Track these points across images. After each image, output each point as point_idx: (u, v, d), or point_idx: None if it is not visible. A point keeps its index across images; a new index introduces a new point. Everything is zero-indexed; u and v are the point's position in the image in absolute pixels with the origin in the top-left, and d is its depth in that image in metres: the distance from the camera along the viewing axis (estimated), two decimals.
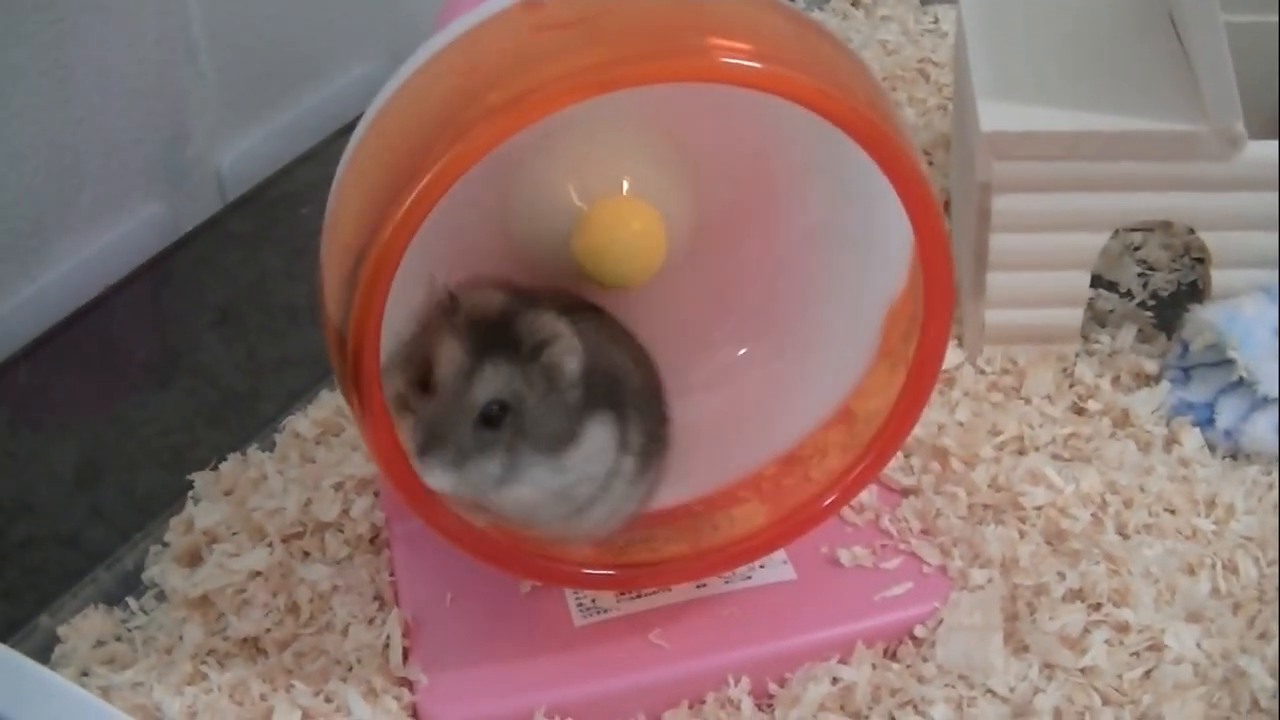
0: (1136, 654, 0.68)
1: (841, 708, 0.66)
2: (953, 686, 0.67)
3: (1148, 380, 0.82)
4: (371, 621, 0.70)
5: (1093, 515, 0.73)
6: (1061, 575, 0.70)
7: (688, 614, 0.68)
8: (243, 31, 1.00)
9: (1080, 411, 0.81)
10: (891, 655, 0.69)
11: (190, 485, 0.78)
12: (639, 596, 0.69)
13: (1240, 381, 0.78)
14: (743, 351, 0.71)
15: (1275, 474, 0.77)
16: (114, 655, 0.70)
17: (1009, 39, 0.86)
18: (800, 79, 0.56)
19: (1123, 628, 0.68)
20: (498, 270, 0.63)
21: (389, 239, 0.55)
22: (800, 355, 0.69)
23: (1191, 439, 0.78)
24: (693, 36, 0.57)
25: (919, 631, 0.69)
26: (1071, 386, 0.82)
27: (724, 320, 0.71)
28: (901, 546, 0.72)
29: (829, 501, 0.66)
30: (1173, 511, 0.74)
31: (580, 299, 0.63)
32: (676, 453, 0.65)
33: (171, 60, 0.95)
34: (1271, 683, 0.66)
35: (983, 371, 0.83)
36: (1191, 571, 0.71)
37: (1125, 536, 0.73)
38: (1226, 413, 0.78)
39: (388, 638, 0.68)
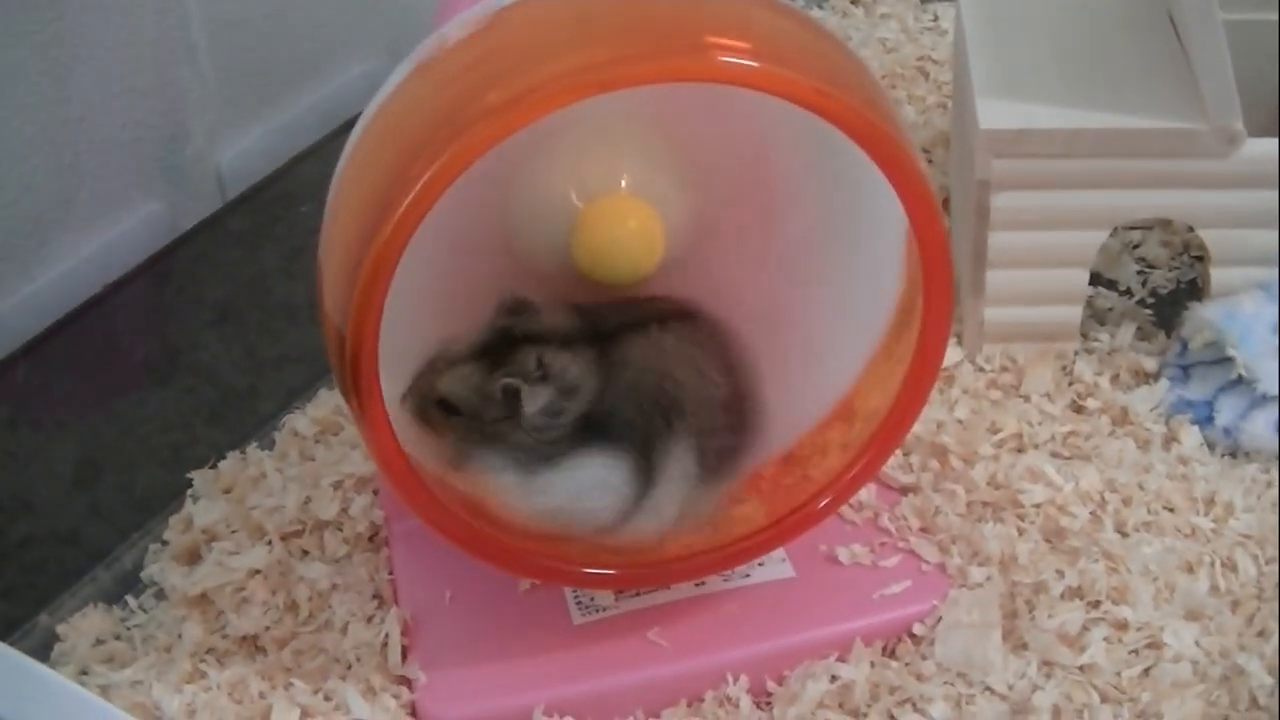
0: (1135, 652, 0.68)
1: (840, 706, 0.66)
2: (951, 684, 0.67)
3: (1147, 378, 0.82)
4: (370, 620, 0.70)
5: (1091, 513, 0.73)
6: (1060, 573, 0.70)
7: (686, 612, 0.68)
8: (241, 30, 1.00)
9: (1079, 409, 0.81)
10: (890, 653, 0.69)
11: (189, 483, 0.78)
12: (637, 595, 0.69)
13: (1239, 379, 0.78)
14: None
15: (1274, 472, 0.77)
16: (113, 654, 0.70)
17: (1008, 37, 0.86)
18: (798, 79, 0.56)
19: (1121, 625, 0.68)
20: (496, 269, 0.63)
21: (388, 238, 0.55)
22: (798, 354, 0.69)
23: (1190, 437, 0.78)
24: (691, 36, 0.57)
25: (918, 629, 0.69)
26: (1070, 384, 0.82)
27: (722, 318, 0.71)
28: (900, 544, 0.72)
29: (827, 500, 0.66)
30: (1171, 509, 0.74)
31: (661, 310, 0.63)
32: None
33: (170, 59, 0.95)
34: (1270, 680, 0.66)
35: (982, 369, 0.83)
36: (1190, 569, 0.71)
37: (1124, 534, 0.73)
38: (1225, 411, 0.78)
39: (386, 636, 0.68)
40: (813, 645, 0.68)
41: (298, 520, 0.74)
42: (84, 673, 0.69)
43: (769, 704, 0.67)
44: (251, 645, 0.69)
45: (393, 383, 0.60)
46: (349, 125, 0.60)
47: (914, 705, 0.66)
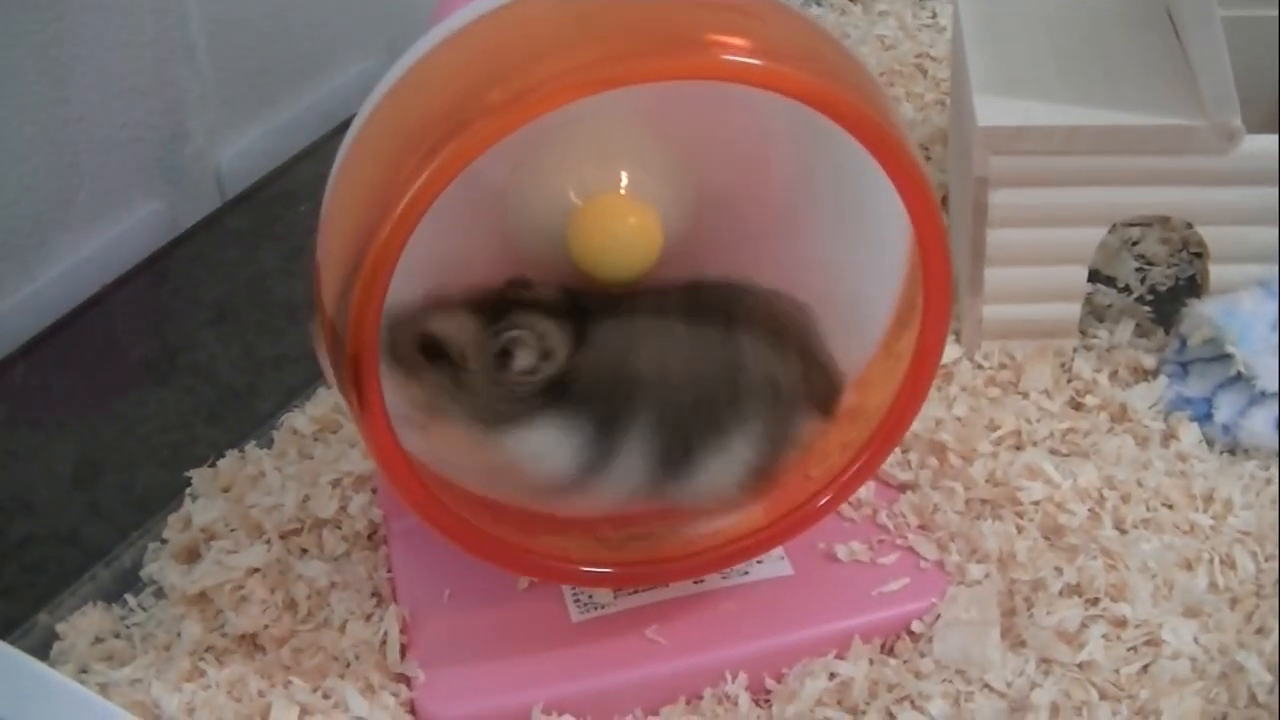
0: (1134, 649, 0.68)
1: (839, 703, 0.66)
2: (950, 682, 0.67)
3: (1146, 375, 0.82)
4: (369, 618, 0.70)
5: (1090, 510, 0.73)
6: (1059, 570, 0.70)
7: (685, 610, 0.68)
8: (240, 29, 1.00)
9: (1078, 406, 0.81)
10: (889, 650, 0.69)
11: (188, 482, 0.78)
12: (636, 593, 0.69)
13: (1238, 376, 0.78)
14: None
15: (1273, 469, 0.77)
16: (112, 652, 0.70)
17: (1006, 34, 0.86)
18: (799, 75, 0.56)
19: (1120, 623, 0.68)
20: (494, 265, 0.63)
21: (388, 236, 0.55)
22: None
23: (1189, 434, 0.78)
24: (692, 33, 0.57)
25: (916, 627, 0.69)
26: (1069, 381, 0.82)
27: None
28: (899, 542, 0.72)
29: (827, 499, 0.66)
30: (1170, 506, 0.74)
31: (652, 303, 0.63)
32: None
33: (170, 58, 0.96)
34: (1269, 677, 0.66)
35: (980, 366, 0.83)
36: (1189, 566, 0.71)
37: (1123, 531, 0.73)
38: (1224, 408, 0.78)
39: (385, 634, 0.68)
40: (811, 643, 0.68)
41: (296, 519, 0.74)
42: (83, 671, 0.69)
43: (768, 701, 0.67)
44: (250, 643, 0.69)
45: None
46: (348, 125, 0.60)
47: (912, 703, 0.66)
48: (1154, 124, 0.78)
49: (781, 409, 0.63)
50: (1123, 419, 0.80)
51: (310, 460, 0.78)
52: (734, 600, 0.69)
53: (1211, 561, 0.71)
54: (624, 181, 0.63)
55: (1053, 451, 0.77)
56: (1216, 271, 0.81)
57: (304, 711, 0.66)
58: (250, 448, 0.80)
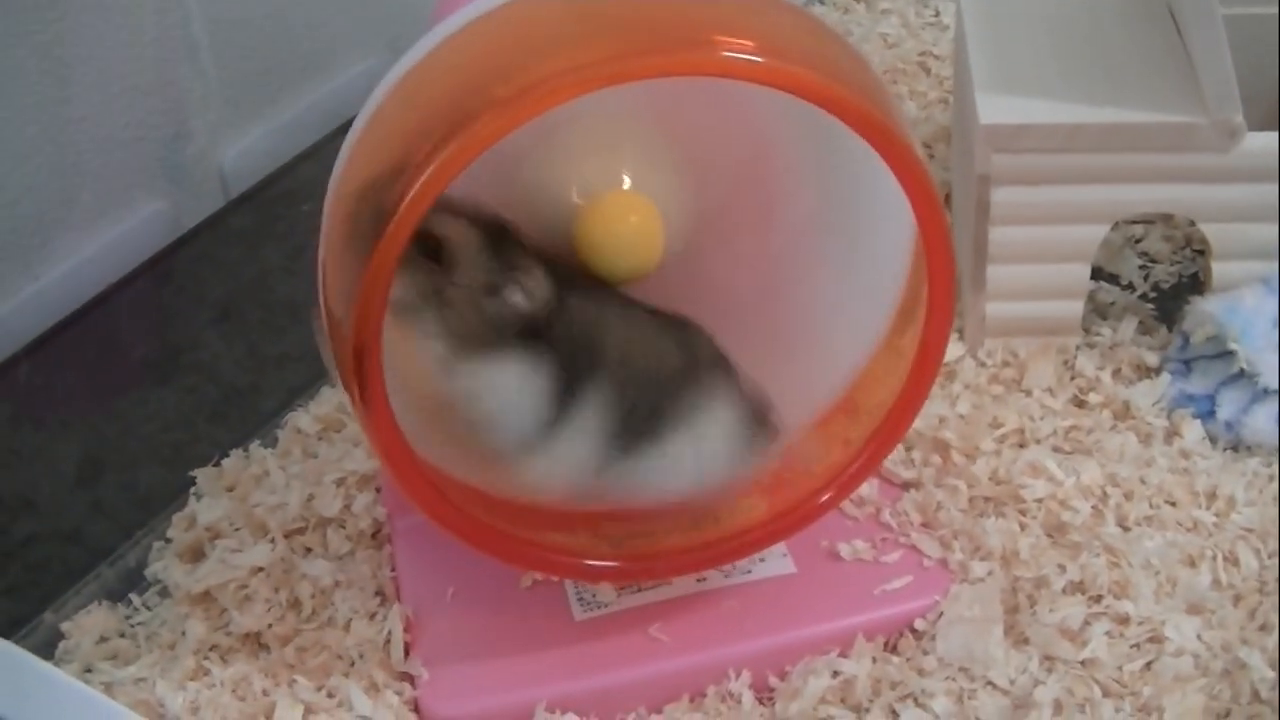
0: (1137, 646, 0.68)
1: (842, 701, 0.66)
2: (953, 679, 0.67)
3: (1148, 372, 0.82)
4: (373, 617, 0.70)
5: (1093, 507, 0.73)
6: (1062, 567, 0.70)
7: (688, 608, 0.69)
8: (243, 28, 1.00)
9: (1081, 404, 0.81)
10: (892, 648, 0.69)
11: (192, 481, 0.78)
12: (639, 590, 0.69)
13: (1241, 373, 0.78)
14: (742, 345, 0.71)
15: (1276, 466, 0.77)
16: (117, 651, 0.70)
17: (1008, 32, 0.86)
18: (802, 73, 0.56)
19: (1123, 620, 0.68)
20: None
21: (391, 233, 0.55)
22: (799, 349, 0.69)
23: (1192, 431, 0.78)
24: (695, 31, 0.57)
25: (919, 624, 0.69)
26: (1072, 379, 0.82)
27: (723, 314, 0.71)
28: (902, 540, 0.72)
29: (829, 495, 0.67)
30: (1173, 504, 0.74)
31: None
32: None
33: (172, 58, 0.96)
34: (1272, 674, 0.66)
35: (983, 364, 0.83)
36: (1192, 563, 0.71)
37: (1126, 529, 0.73)
38: (1227, 405, 0.78)
39: (389, 633, 0.68)
40: (814, 640, 0.68)
41: (300, 517, 0.75)
42: (88, 670, 0.69)
43: (771, 699, 0.67)
44: (254, 642, 0.70)
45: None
46: (351, 124, 0.60)
47: (916, 700, 0.66)
48: (1156, 121, 0.78)
49: (739, 395, 0.63)
50: (1125, 416, 0.80)
51: (314, 459, 0.79)
52: (737, 598, 0.69)
53: (1214, 558, 0.71)
54: (627, 180, 0.63)
55: (1056, 449, 0.77)
56: (1219, 269, 0.81)
57: (308, 710, 0.66)
58: (254, 447, 0.80)
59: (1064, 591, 0.69)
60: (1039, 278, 0.81)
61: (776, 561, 0.70)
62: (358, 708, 0.66)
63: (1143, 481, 0.75)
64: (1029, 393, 0.81)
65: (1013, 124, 0.78)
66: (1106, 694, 0.66)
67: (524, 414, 0.61)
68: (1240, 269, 0.80)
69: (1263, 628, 0.68)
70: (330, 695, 0.67)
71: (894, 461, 0.75)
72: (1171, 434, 0.79)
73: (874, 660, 0.68)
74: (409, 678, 0.67)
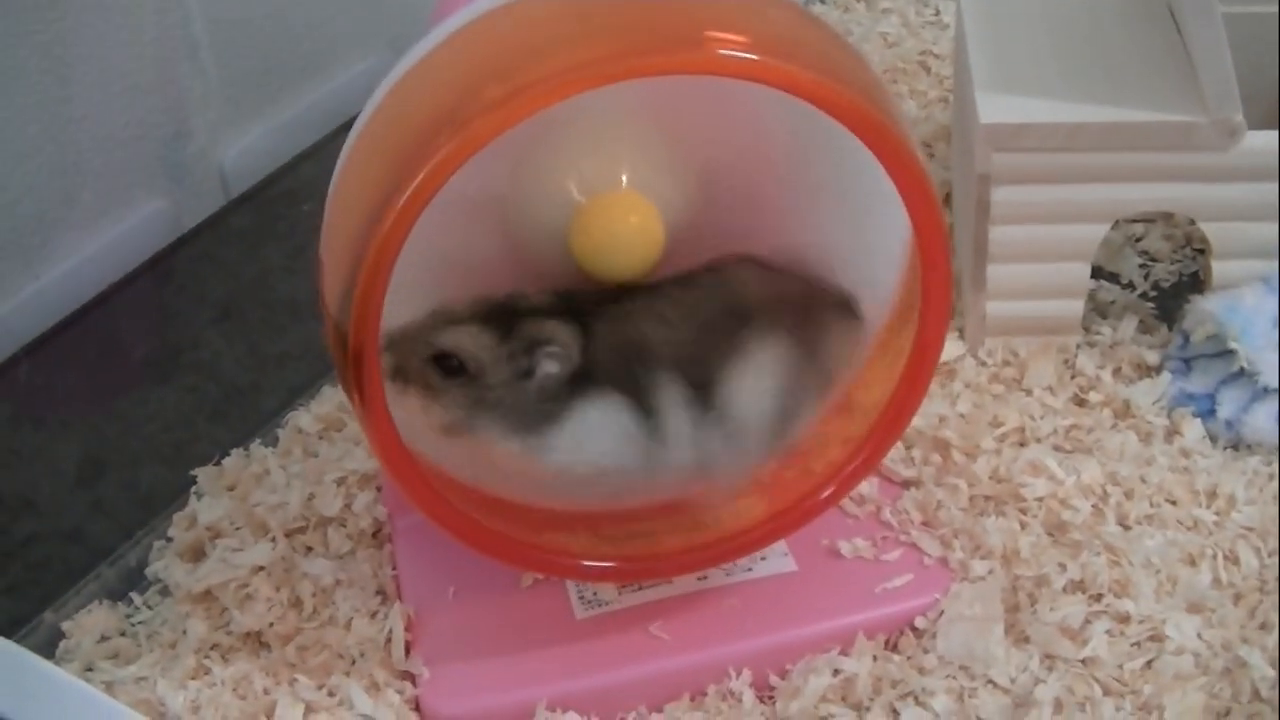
0: (1137, 644, 0.68)
1: (843, 699, 0.66)
2: (954, 678, 0.67)
3: (1149, 371, 0.82)
4: (374, 615, 0.70)
5: (1094, 506, 0.73)
6: (1062, 566, 0.70)
7: (689, 606, 0.69)
8: (243, 28, 1.01)
9: (1081, 403, 0.81)
10: (892, 647, 0.69)
11: (193, 481, 0.78)
12: (640, 589, 0.69)
13: (1241, 372, 0.78)
14: None
15: (1276, 464, 0.77)
16: (118, 650, 0.70)
17: (1008, 31, 0.86)
18: (798, 71, 0.56)
19: (1123, 618, 0.68)
20: (494, 265, 0.63)
21: (388, 232, 0.55)
22: None
23: (1192, 430, 0.78)
24: (691, 29, 0.57)
25: (920, 623, 0.69)
26: (1073, 378, 0.82)
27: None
28: (902, 538, 0.72)
29: (829, 493, 0.67)
30: (1174, 502, 0.74)
31: (644, 291, 0.63)
32: None
33: (172, 57, 0.96)
34: (1272, 673, 0.66)
35: (984, 363, 0.83)
36: (1192, 562, 0.71)
37: (1126, 527, 0.73)
38: (1227, 403, 0.78)
39: (390, 632, 0.68)
40: (815, 639, 0.68)
41: (301, 517, 0.75)
42: (89, 669, 0.69)
43: (771, 698, 0.67)
44: (255, 641, 0.70)
45: None
46: (352, 123, 0.60)
47: (916, 699, 0.66)
48: (1156, 120, 0.78)
49: (799, 317, 0.62)
50: (1126, 415, 0.80)
51: (315, 458, 0.79)
52: (738, 596, 0.69)
53: (1215, 557, 0.71)
54: (625, 180, 0.63)
55: (1056, 448, 0.77)
56: (1219, 267, 0.81)
57: (309, 709, 0.66)
58: (255, 446, 0.80)
59: (1064, 590, 0.69)
60: (1039, 277, 0.81)
61: (777, 560, 0.70)
62: (359, 706, 0.66)
63: (1143, 480, 0.75)
64: (1029, 392, 0.81)
65: (1013, 123, 0.78)
66: (1107, 692, 0.66)
67: (624, 452, 0.61)
68: (1240, 268, 0.80)
69: (1263, 626, 0.68)
70: (331, 694, 0.67)
71: (894, 460, 0.75)
72: (1172, 433, 0.79)
73: (874, 659, 0.68)
74: (410, 676, 0.67)
